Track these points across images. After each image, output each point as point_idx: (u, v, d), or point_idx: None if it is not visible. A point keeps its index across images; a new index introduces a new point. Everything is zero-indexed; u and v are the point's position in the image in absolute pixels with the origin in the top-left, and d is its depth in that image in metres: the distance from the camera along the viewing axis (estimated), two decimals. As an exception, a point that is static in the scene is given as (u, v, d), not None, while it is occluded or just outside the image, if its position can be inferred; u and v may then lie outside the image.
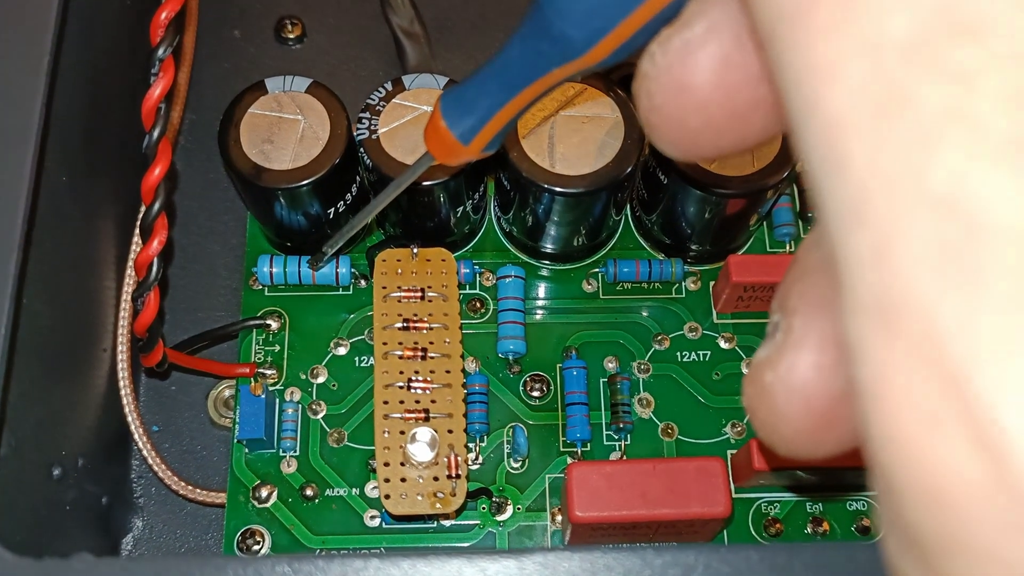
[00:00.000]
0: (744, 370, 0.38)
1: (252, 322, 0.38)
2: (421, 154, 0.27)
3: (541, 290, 0.39)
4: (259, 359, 0.38)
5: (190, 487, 0.36)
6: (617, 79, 0.39)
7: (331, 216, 0.37)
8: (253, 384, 0.37)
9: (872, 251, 0.10)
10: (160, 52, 0.30)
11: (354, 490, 0.36)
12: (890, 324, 0.10)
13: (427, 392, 0.34)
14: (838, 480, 0.36)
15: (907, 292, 0.10)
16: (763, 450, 0.34)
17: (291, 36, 0.45)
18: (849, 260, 0.11)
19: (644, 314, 0.39)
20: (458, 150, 0.25)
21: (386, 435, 0.33)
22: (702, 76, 0.15)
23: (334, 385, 0.38)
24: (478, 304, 0.39)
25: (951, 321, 0.10)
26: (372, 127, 0.35)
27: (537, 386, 0.38)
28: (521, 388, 0.38)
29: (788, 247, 0.40)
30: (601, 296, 0.39)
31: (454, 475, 0.33)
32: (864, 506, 0.36)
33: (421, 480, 0.33)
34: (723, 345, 0.39)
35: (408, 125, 0.35)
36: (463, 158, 0.25)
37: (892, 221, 0.10)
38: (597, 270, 0.40)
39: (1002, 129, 0.10)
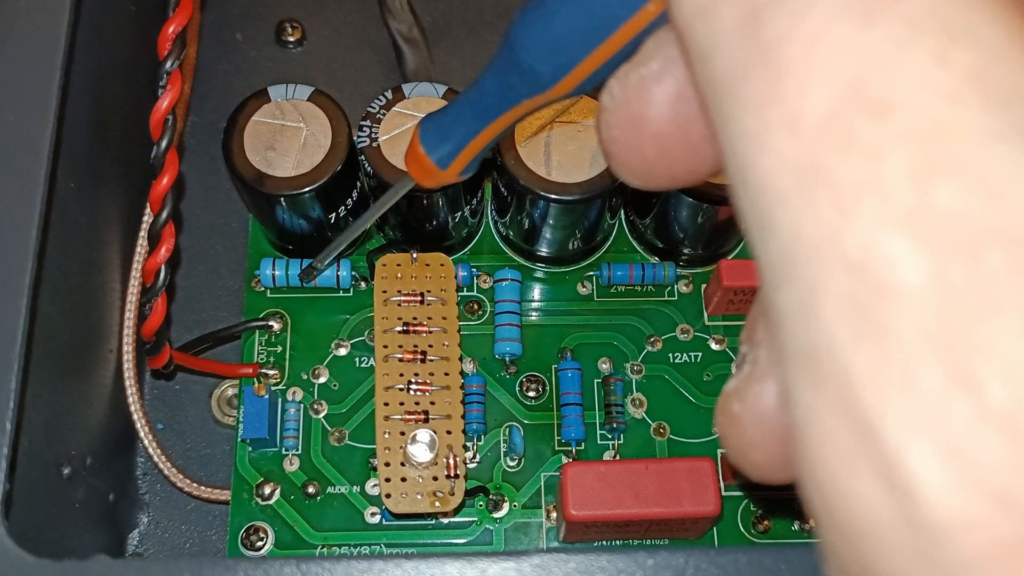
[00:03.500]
0: (735, 371, 0.39)
1: (255, 323, 0.39)
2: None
3: (537, 293, 0.40)
4: (262, 359, 0.39)
5: (195, 484, 0.37)
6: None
7: (332, 221, 0.37)
8: (256, 384, 0.38)
9: (798, 307, 0.11)
10: (168, 65, 0.30)
11: (355, 488, 0.37)
12: (815, 373, 0.11)
13: (426, 394, 0.35)
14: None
15: (827, 345, 0.11)
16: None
17: (291, 39, 0.46)
18: (780, 313, 0.12)
19: (637, 317, 0.40)
20: (436, 174, 0.26)
21: (387, 436, 0.34)
22: (657, 110, 0.16)
23: (335, 385, 0.38)
24: (475, 306, 0.40)
25: (863, 371, 0.11)
26: (373, 135, 0.36)
27: (533, 387, 0.39)
28: (517, 388, 0.39)
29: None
30: (596, 298, 0.40)
31: (453, 475, 0.34)
32: (849, 504, 0.37)
33: (421, 480, 0.34)
34: (714, 347, 0.40)
35: (408, 133, 0.36)
36: (441, 181, 0.27)
37: (813, 281, 0.11)
38: (592, 273, 0.41)
39: (908, 200, 0.11)
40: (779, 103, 0.11)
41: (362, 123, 0.36)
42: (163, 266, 0.32)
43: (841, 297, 0.11)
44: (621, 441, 0.38)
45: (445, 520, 0.37)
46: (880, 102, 0.11)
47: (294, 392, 0.38)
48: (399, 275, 0.37)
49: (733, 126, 0.12)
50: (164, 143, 0.31)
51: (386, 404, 0.35)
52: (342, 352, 0.39)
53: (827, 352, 0.11)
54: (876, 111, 0.11)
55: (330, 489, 0.37)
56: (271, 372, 0.38)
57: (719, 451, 0.38)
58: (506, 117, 0.23)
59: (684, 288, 0.41)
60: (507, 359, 0.39)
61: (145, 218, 0.36)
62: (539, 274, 0.41)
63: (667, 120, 0.16)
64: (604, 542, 0.35)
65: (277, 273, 0.39)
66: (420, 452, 0.34)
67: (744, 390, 0.16)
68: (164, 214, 0.31)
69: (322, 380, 0.39)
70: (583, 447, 0.38)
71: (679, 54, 0.15)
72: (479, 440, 0.38)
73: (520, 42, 0.20)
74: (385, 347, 0.35)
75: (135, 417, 0.37)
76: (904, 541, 0.11)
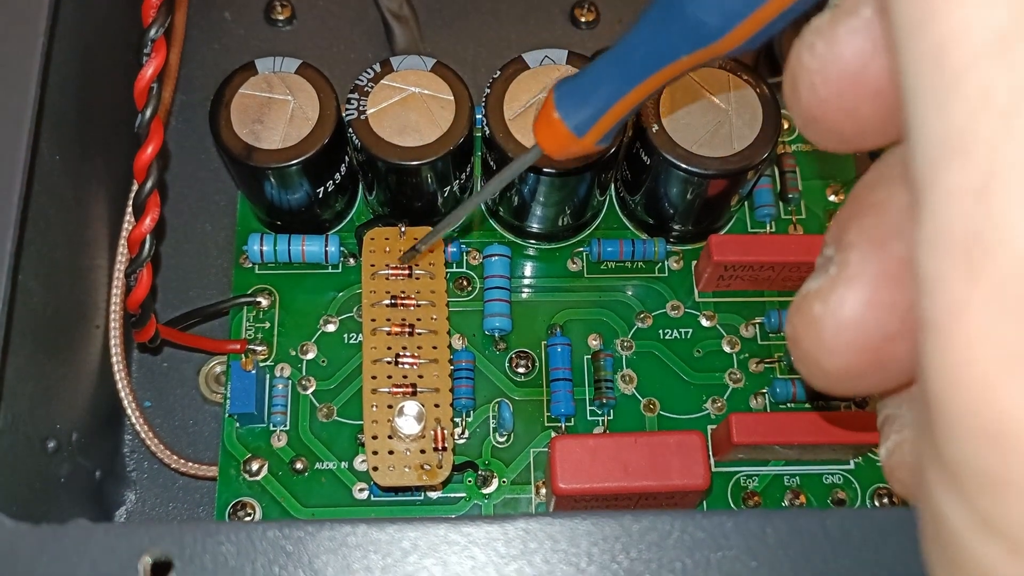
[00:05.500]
0: (726, 348, 0.39)
1: (243, 299, 0.39)
2: (531, 147, 0.25)
3: (527, 269, 0.40)
4: (250, 336, 0.38)
5: (182, 461, 0.37)
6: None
7: (320, 195, 0.37)
8: (244, 360, 0.37)
9: (970, 185, 0.10)
10: (152, 32, 0.30)
11: (343, 463, 0.37)
12: (975, 261, 0.10)
13: (414, 367, 0.35)
14: (814, 455, 0.37)
15: (1002, 231, 0.10)
16: (742, 425, 0.35)
17: (281, 18, 0.46)
18: (939, 192, 0.11)
19: (627, 293, 0.40)
20: (571, 143, 0.24)
21: (374, 409, 0.34)
22: (878, 64, 0.14)
23: (323, 361, 0.38)
24: (465, 282, 0.40)
25: None
26: (361, 107, 0.35)
27: (522, 362, 0.38)
28: (507, 364, 0.38)
29: (768, 227, 0.41)
30: (585, 275, 0.40)
31: (440, 448, 0.33)
32: (840, 479, 0.37)
33: (408, 453, 0.33)
34: (704, 323, 0.39)
35: (396, 106, 0.36)
36: (575, 152, 0.24)
37: (1000, 157, 0.10)
38: (582, 249, 0.40)
39: None
40: None
41: (350, 96, 0.36)
42: (148, 236, 0.32)
43: None
44: (611, 417, 0.38)
45: (434, 496, 0.36)
46: None
47: (282, 368, 0.38)
48: (387, 249, 0.36)
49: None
50: (149, 112, 0.31)
51: (374, 377, 0.34)
52: (330, 328, 0.39)
53: (1001, 240, 0.10)
54: None
55: (318, 465, 0.37)
56: (259, 348, 0.38)
57: (709, 426, 0.38)
58: (658, 77, 0.21)
59: (674, 264, 0.40)
60: (496, 335, 0.39)
61: (133, 192, 0.36)
62: (529, 250, 0.40)
63: (889, 72, 0.14)
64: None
65: (265, 249, 0.38)
66: (407, 424, 0.33)
67: (828, 291, 0.15)
68: (149, 183, 0.31)
69: (310, 356, 0.38)
70: (573, 423, 0.38)
71: None
72: (468, 416, 0.38)
73: None
74: (373, 320, 0.35)
75: (122, 394, 0.37)
76: None
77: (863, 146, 0.16)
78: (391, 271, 0.36)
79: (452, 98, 0.36)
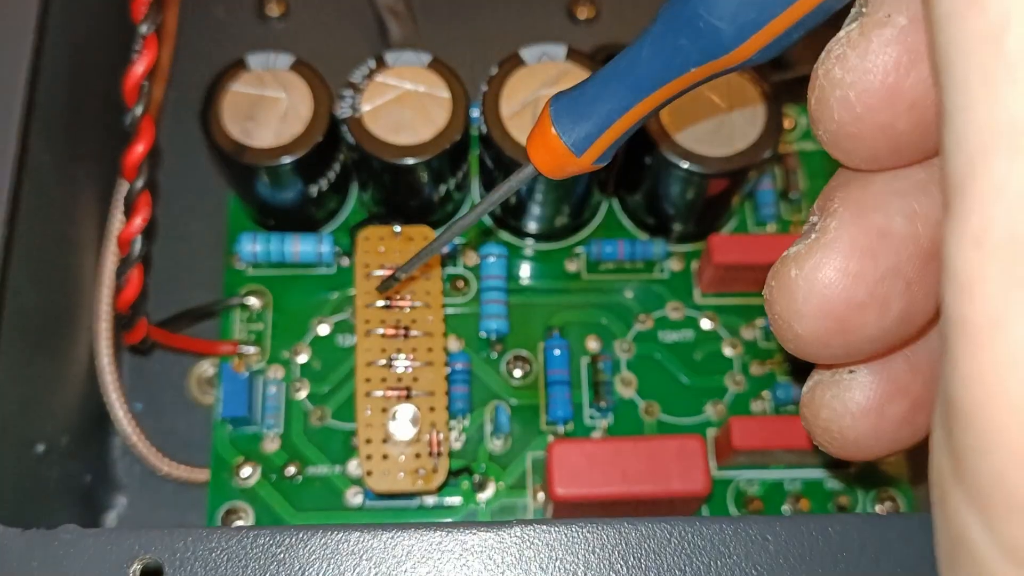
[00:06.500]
0: (726, 350, 0.38)
1: (234, 300, 0.38)
2: (529, 162, 0.24)
3: (524, 269, 0.40)
4: (241, 337, 0.38)
5: (173, 464, 0.36)
6: (601, 59, 0.39)
7: (314, 194, 0.37)
8: (235, 362, 0.37)
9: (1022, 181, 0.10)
10: (143, 29, 0.30)
11: (336, 468, 0.36)
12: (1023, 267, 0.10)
13: (409, 370, 0.34)
14: (816, 459, 0.36)
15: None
16: (742, 429, 0.34)
17: (275, 14, 0.45)
18: (984, 187, 0.10)
19: (627, 294, 0.39)
20: (568, 162, 0.22)
21: (368, 412, 0.33)
22: (914, 74, 0.14)
23: (316, 364, 0.38)
24: (461, 283, 0.39)
25: None
26: (355, 105, 0.35)
27: (519, 365, 0.38)
28: (503, 367, 0.38)
29: (770, 227, 0.41)
30: (584, 276, 0.40)
31: (436, 452, 0.33)
32: (840, 485, 0.37)
33: (403, 458, 0.33)
34: (705, 325, 0.39)
35: (391, 104, 0.35)
36: (571, 171, 0.23)
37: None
38: (580, 250, 0.40)
39: None
40: None
41: (344, 93, 0.35)
42: (139, 236, 0.31)
43: None
44: (610, 421, 0.37)
45: (429, 501, 0.36)
46: None
47: (275, 371, 0.37)
48: (382, 248, 0.36)
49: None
50: (139, 110, 0.30)
51: (367, 380, 0.34)
52: (324, 330, 0.38)
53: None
54: None
55: (311, 470, 0.36)
56: (251, 350, 0.37)
57: (709, 431, 0.37)
58: (665, 91, 0.20)
59: (674, 265, 0.40)
60: (493, 337, 0.38)
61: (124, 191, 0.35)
62: (526, 251, 0.40)
63: (923, 86, 0.14)
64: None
65: (257, 249, 0.38)
66: (402, 429, 0.33)
67: (805, 257, 0.15)
68: (140, 182, 0.31)
69: (303, 359, 0.38)
70: (571, 427, 0.37)
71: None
72: (464, 420, 0.37)
73: None
74: (367, 322, 0.35)
75: (112, 397, 0.36)
76: None
77: (897, 163, 0.15)
78: (386, 271, 0.35)
79: (448, 95, 0.35)
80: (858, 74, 0.14)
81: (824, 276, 0.15)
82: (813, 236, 0.16)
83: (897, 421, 0.17)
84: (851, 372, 0.17)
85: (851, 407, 0.17)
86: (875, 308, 0.15)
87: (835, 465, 0.37)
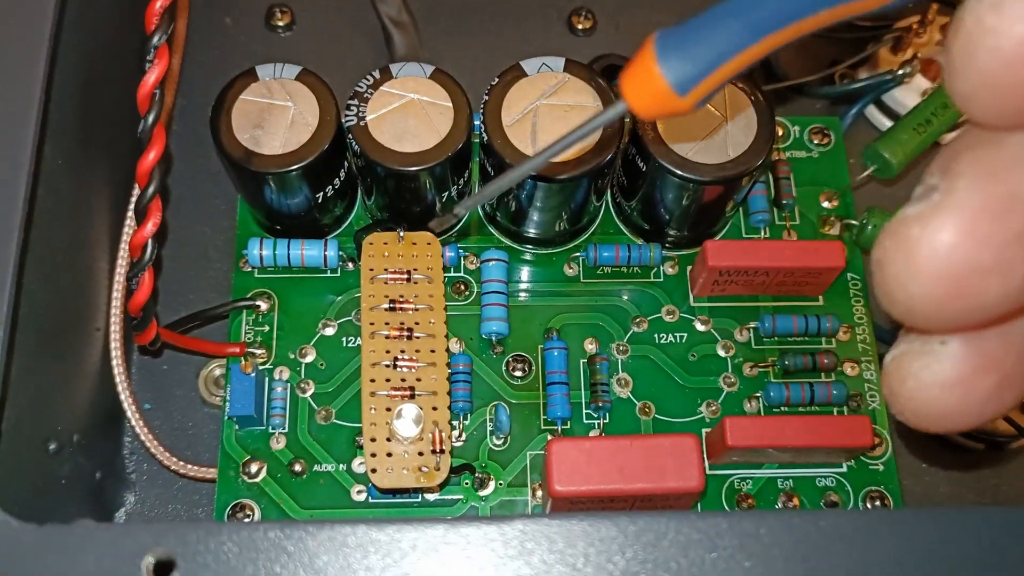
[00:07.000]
0: (720, 352, 0.39)
1: (242, 303, 0.39)
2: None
3: (524, 273, 0.41)
4: (249, 339, 0.39)
5: (181, 463, 0.37)
6: (599, 70, 0.40)
7: (320, 200, 0.38)
8: (243, 363, 0.38)
9: None
10: (155, 39, 0.31)
11: (341, 466, 0.37)
12: None
13: (412, 371, 0.35)
14: (808, 458, 0.37)
15: None
16: (736, 428, 0.35)
17: (281, 24, 0.46)
18: None
19: (623, 297, 0.40)
20: (670, 102, 0.20)
21: (373, 411, 0.34)
22: None
23: (322, 364, 0.39)
24: (462, 287, 0.40)
25: None
26: (360, 114, 0.36)
27: (519, 366, 0.39)
28: (504, 368, 0.39)
29: (763, 233, 0.42)
30: (582, 280, 0.41)
31: (438, 450, 0.34)
32: (832, 482, 0.38)
33: (406, 455, 0.34)
34: (699, 328, 0.40)
35: (395, 112, 0.36)
36: (669, 112, 0.21)
37: None
38: (578, 254, 0.41)
39: None
40: None
41: (349, 102, 0.36)
42: (150, 240, 0.32)
43: None
44: (607, 420, 0.38)
45: (431, 497, 0.37)
46: None
47: (281, 371, 0.38)
48: (386, 253, 0.37)
49: None
50: (151, 117, 0.31)
51: (372, 380, 0.35)
52: (329, 332, 0.39)
53: None
54: None
55: (316, 467, 0.37)
56: (258, 351, 0.38)
57: (703, 430, 0.38)
58: (787, 31, 0.18)
59: (670, 269, 0.41)
60: (493, 339, 0.39)
61: (135, 196, 0.36)
62: (526, 255, 0.41)
63: None
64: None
65: (265, 253, 0.39)
66: (405, 427, 0.34)
67: (930, 216, 0.15)
68: (151, 189, 0.31)
69: (309, 359, 0.39)
70: (569, 426, 0.38)
71: None
72: (465, 419, 0.38)
73: None
74: (371, 324, 0.36)
75: (122, 396, 0.37)
76: None
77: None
78: (390, 275, 0.36)
79: (451, 104, 0.36)
80: (1015, 21, 0.14)
81: (949, 237, 0.14)
82: (936, 197, 0.15)
83: (984, 396, 0.17)
84: (942, 343, 0.17)
85: (940, 378, 0.17)
86: (999, 274, 0.15)
87: (825, 464, 0.38)
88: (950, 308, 0.15)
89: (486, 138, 0.36)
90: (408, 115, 0.36)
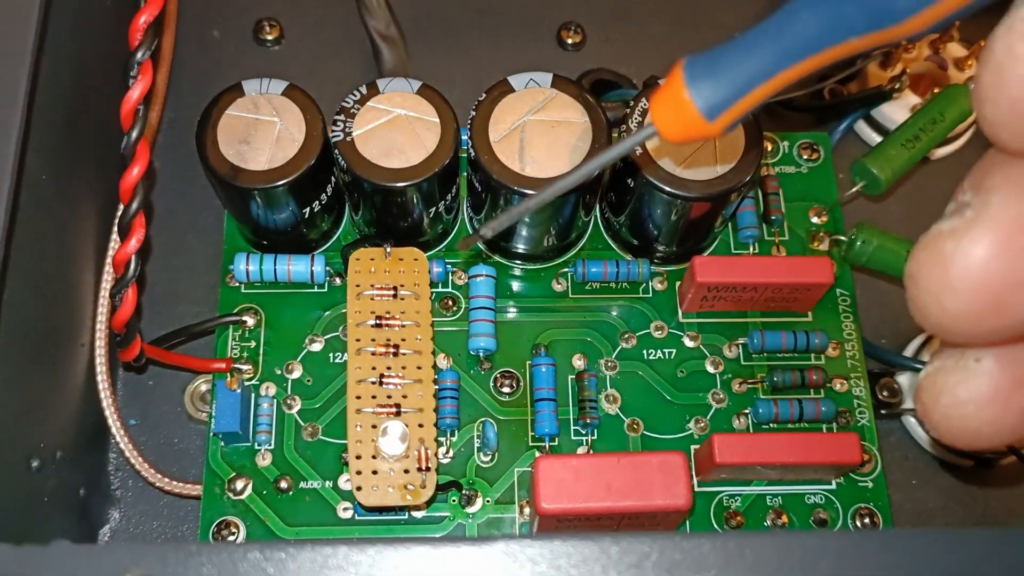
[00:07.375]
0: (709, 368, 0.39)
1: (228, 318, 0.39)
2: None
3: (512, 289, 0.40)
4: (235, 355, 0.39)
5: (167, 479, 0.37)
6: (587, 85, 0.40)
7: (306, 215, 0.37)
8: (229, 379, 0.38)
9: None
10: (139, 55, 0.30)
11: (327, 483, 0.37)
12: None
13: (399, 388, 0.35)
14: (796, 475, 0.37)
15: None
16: (724, 445, 0.35)
17: (269, 38, 0.46)
18: None
19: (612, 313, 0.40)
20: (698, 128, 0.21)
21: (358, 429, 0.34)
22: None
23: (308, 380, 0.38)
24: (450, 302, 0.40)
25: None
26: (347, 129, 0.36)
27: (507, 382, 0.39)
28: (491, 384, 0.39)
29: (752, 248, 0.42)
30: (570, 295, 0.40)
31: (424, 468, 0.34)
32: (821, 499, 0.37)
33: (392, 473, 0.34)
34: (688, 344, 0.40)
35: (382, 128, 0.36)
36: (697, 137, 0.21)
37: None
38: (566, 270, 0.41)
39: None
40: None
41: (336, 117, 0.36)
42: (133, 257, 0.32)
43: None
44: (595, 436, 0.38)
45: (418, 515, 0.37)
46: None
47: (267, 387, 0.38)
48: (372, 269, 0.37)
49: None
50: (135, 134, 0.31)
51: (358, 397, 0.34)
52: (316, 348, 0.39)
53: None
54: None
55: (302, 484, 0.37)
56: (244, 367, 0.38)
57: (692, 446, 0.38)
58: (817, 58, 0.18)
59: (658, 285, 0.41)
60: (481, 355, 0.39)
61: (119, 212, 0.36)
62: (514, 271, 0.41)
63: None
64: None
65: (251, 268, 0.39)
66: (391, 445, 0.33)
67: (964, 231, 0.15)
68: (135, 205, 0.31)
69: (296, 375, 0.38)
70: (557, 442, 0.38)
71: None
72: (453, 435, 0.38)
73: None
74: (358, 340, 0.35)
75: (107, 412, 0.37)
76: None
77: None
78: (376, 291, 0.36)
79: (438, 120, 0.36)
80: None
81: (983, 251, 0.15)
82: (969, 212, 0.15)
83: (1019, 412, 0.17)
84: (977, 360, 0.17)
85: (976, 395, 0.17)
86: None
87: (814, 481, 0.38)
88: (984, 322, 0.15)
89: (473, 154, 0.36)
90: (395, 130, 0.36)
